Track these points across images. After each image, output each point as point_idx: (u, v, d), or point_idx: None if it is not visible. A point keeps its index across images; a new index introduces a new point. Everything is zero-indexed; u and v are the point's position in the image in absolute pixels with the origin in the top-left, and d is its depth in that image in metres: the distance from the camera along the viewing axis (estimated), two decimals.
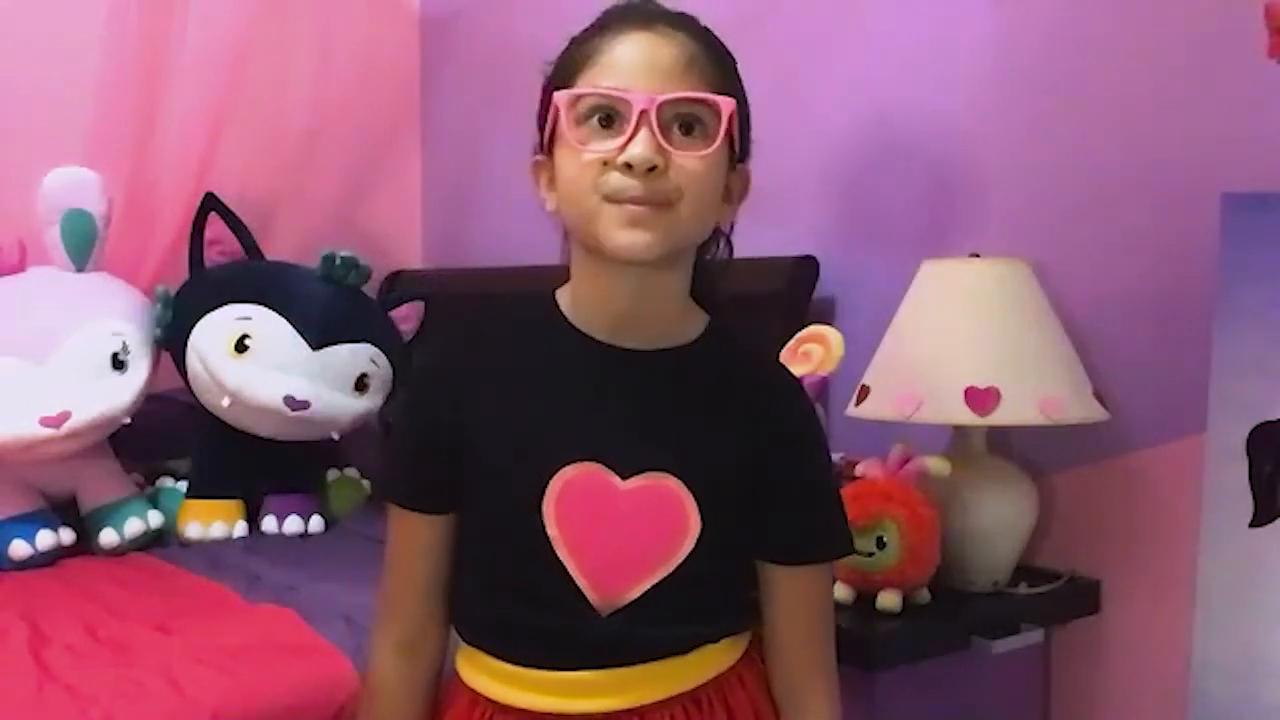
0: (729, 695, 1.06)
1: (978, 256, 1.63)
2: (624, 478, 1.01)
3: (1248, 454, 1.44)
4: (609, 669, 1.02)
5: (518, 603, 1.03)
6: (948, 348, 1.56)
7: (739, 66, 1.04)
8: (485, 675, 1.06)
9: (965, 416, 1.51)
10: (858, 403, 1.63)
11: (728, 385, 1.05)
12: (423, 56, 2.96)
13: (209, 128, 2.46)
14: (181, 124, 2.45)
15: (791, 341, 1.70)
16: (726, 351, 1.07)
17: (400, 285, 2.72)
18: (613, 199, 0.94)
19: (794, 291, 1.91)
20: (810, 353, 1.68)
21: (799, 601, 1.08)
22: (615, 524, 1.00)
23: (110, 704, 1.36)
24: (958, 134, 1.83)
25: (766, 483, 1.04)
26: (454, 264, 2.81)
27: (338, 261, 2.26)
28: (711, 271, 1.10)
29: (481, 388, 1.04)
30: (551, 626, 1.02)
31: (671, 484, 1.01)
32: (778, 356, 1.12)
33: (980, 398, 1.51)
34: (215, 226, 2.29)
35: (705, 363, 1.05)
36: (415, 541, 1.08)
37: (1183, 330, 1.56)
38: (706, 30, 1.02)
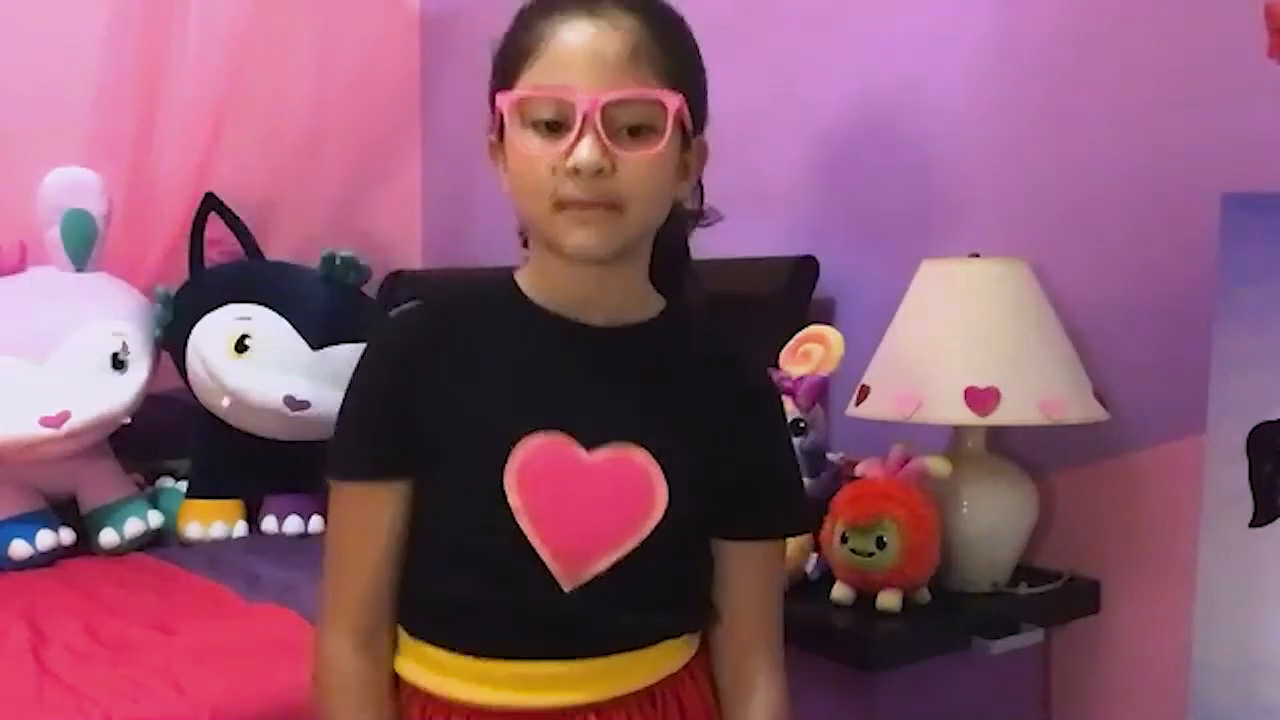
0: (681, 692, 1.06)
1: (978, 256, 1.63)
2: (589, 449, 1.00)
3: (1248, 454, 1.44)
4: (569, 660, 1.00)
5: (479, 582, 1.00)
6: (948, 348, 1.56)
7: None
8: (436, 672, 1.02)
9: (965, 416, 1.51)
10: (858, 403, 1.62)
11: (688, 359, 1.06)
12: (423, 56, 2.96)
13: (209, 128, 2.47)
14: (181, 124, 2.45)
15: (791, 341, 1.70)
16: (685, 328, 1.08)
17: (400, 285, 2.72)
18: (563, 203, 0.94)
19: (794, 291, 1.91)
20: (810, 353, 1.68)
21: (752, 577, 1.08)
22: (580, 495, 0.99)
23: (110, 704, 1.36)
24: (958, 134, 1.83)
25: (729, 456, 1.04)
26: (454, 264, 2.81)
27: (338, 261, 2.26)
28: (681, 247, 1.10)
29: (442, 358, 1.02)
30: (513, 607, 0.99)
31: (638, 455, 1.00)
32: (748, 345, 1.13)
33: (980, 398, 1.51)
34: (215, 226, 2.29)
35: (665, 338, 1.05)
36: (370, 519, 1.02)
37: (1182, 330, 1.56)
38: (657, 6, 0.99)
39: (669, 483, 1.00)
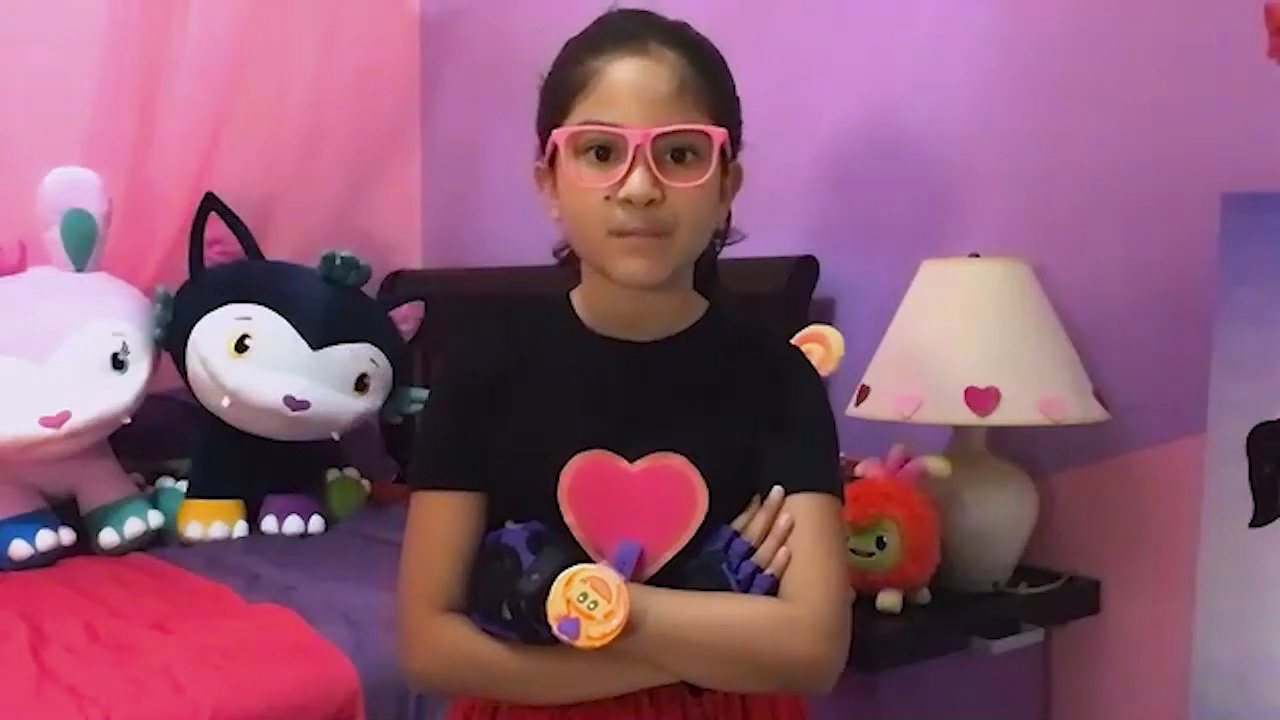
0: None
1: (978, 256, 1.63)
2: (631, 460, 1.04)
3: (1248, 454, 1.44)
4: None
5: None
6: (948, 348, 1.56)
7: (738, 68, 1.06)
8: None
9: (965, 416, 1.51)
10: (858, 403, 1.63)
11: (726, 361, 1.09)
12: (423, 57, 2.96)
13: (209, 128, 2.47)
14: (181, 124, 2.45)
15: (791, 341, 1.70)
16: (724, 331, 1.11)
17: (400, 285, 2.72)
18: (617, 232, 0.99)
19: (794, 291, 1.91)
20: (810, 352, 1.67)
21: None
22: (628, 505, 1.03)
23: (110, 704, 1.36)
24: (957, 134, 1.83)
25: (761, 430, 1.06)
26: (454, 264, 2.81)
27: (338, 261, 2.26)
28: (712, 261, 1.14)
29: (508, 390, 1.07)
30: None
31: (677, 461, 1.04)
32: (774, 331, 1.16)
33: (980, 398, 1.51)
34: (215, 226, 2.29)
35: (705, 344, 1.09)
36: (462, 521, 1.05)
37: (1183, 330, 1.56)
38: (698, 43, 1.04)
39: (709, 484, 1.04)
